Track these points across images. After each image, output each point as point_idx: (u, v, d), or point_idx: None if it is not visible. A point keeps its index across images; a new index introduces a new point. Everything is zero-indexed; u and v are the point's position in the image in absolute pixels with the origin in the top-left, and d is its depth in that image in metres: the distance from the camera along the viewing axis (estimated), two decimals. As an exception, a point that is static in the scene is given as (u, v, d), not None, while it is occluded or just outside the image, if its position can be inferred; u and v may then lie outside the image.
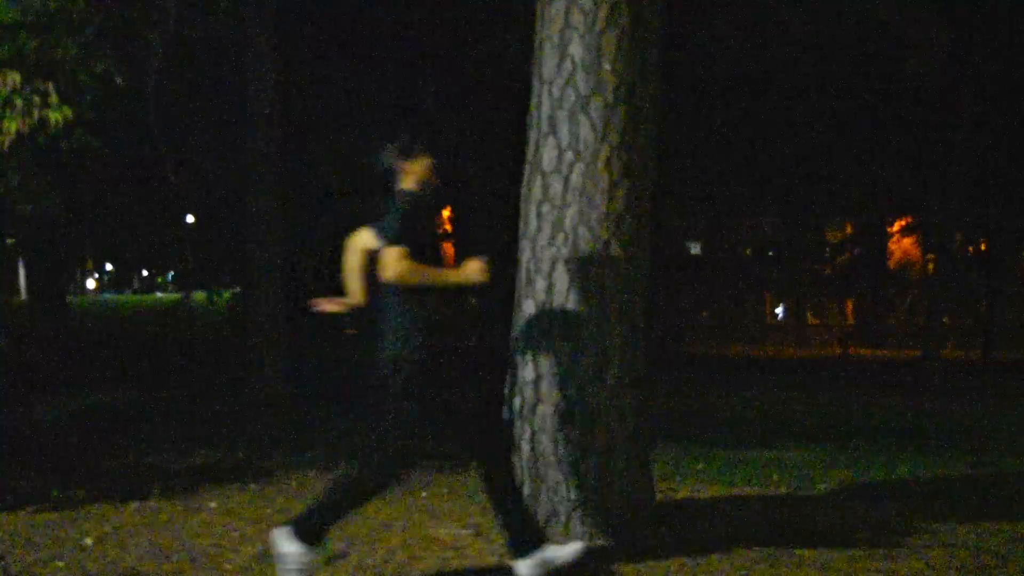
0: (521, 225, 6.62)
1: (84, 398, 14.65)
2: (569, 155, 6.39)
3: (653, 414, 7.04)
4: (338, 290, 6.07)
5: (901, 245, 37.48)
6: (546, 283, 6.42)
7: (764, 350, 35.76)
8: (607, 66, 6.35)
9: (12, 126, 8.12)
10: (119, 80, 8.93)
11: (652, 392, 6.87)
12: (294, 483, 8.57)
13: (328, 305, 5.87)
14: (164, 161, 15.03)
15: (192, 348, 24.47)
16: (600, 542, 6.14)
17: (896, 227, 36.29)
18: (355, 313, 5.71)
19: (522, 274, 6.57)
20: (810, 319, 41.73)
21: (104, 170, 20.25)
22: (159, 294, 57.50)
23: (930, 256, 32.88)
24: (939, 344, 26.11)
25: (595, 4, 6.34)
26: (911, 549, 6.31)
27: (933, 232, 31.42)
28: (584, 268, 6.34)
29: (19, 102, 8.11)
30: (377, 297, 5.43)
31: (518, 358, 6.50)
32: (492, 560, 5.93)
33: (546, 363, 6.37)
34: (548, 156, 6.45)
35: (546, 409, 6.36)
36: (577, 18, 6.37)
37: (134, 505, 7.52)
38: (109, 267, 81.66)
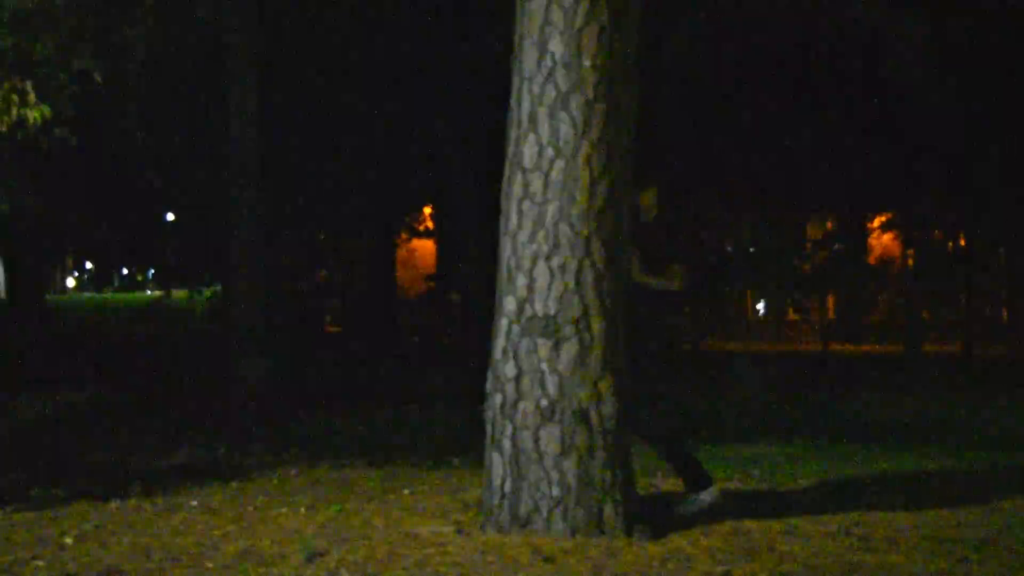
0: (502, 222, 6.62)
1: (64, 396, 14.59)
2: (549, 152, 6.39)
3: (634, 410, 7.05)
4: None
5: (881, 241, 37.56)
6: (527, 280, 6.42)
7: (745, 345, 35.84)
8: (587, 63, 6.36)
9: (-10, 124, 8.08)
10: (98, 78, 8.89)
11: (633, 388, 6.88)
12: (275, 481, 8.56)
13: None
14: (144, 158, 14.97)
15: (172, 346, 24.39)
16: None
17: (876, 223, 36.42)
18: None
19: (503, 271, 6.56)
20: (791, 315, 41.81)
21: (83, 168, 20.16)
22: (149, 292, 57.20)
23: (910, 252, 33.03)
24: (920, 339, 26.20)
25: (575, 0, 6.34)
26: (892, 542, 6.34)
27: (913, 228, 31.57)
28: (565, 265, 6.34)
29: (-3, 100, 8.07)
30: None
31: (499, 355, 6.50)
32: (474, 557, 5.93)
33: (527, 360, 6.37)
34: (529, 153, 6.45)
35: (527, 406, 6.36)
36: (557, 15, 6.37)
37: (114, 503, 7.50)
38: (89, 265, 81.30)
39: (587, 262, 6.36)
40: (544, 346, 6.35)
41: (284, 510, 7.28)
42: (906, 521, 6.97)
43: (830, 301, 39.94)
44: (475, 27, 19.13)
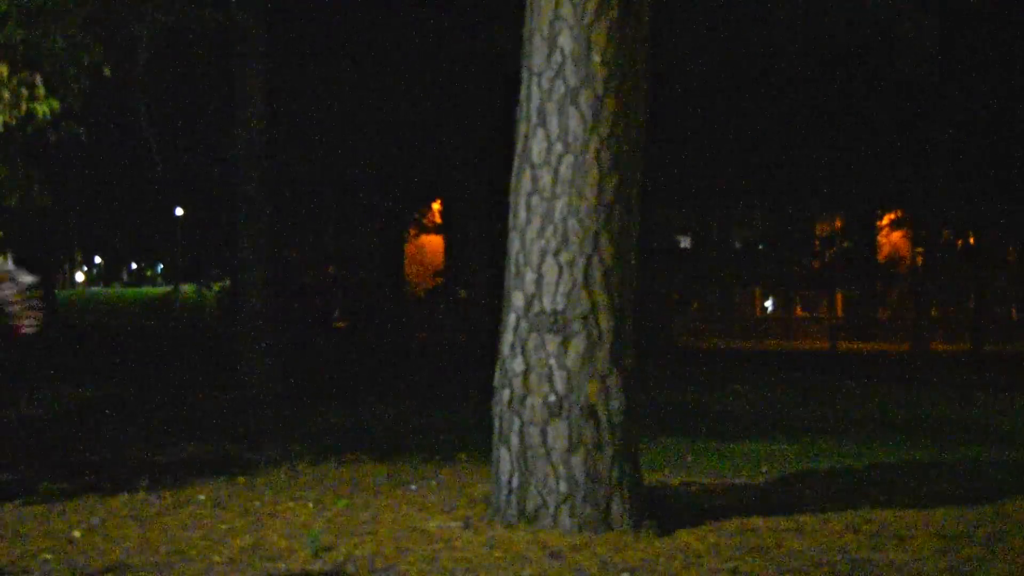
0: (511, 217, 6.61)
1: (72, 392, 14.62)
2: (558, 147, 6.38)
3: (642, 406, 7.05)
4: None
5: (890, 239, 37.53)
6: (535, 275, 6.41)
7: (753, 343, 35.84)
8: (597, 58, 6.34)
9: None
10: (107, 72, 8.88)
11: (641, 384, 6.87)
12: (283, 476, 8.55)
13: None
14: (152, 153, 14.97)
15: (181, 341, 24.42)
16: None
17: (885, 221, 36.40)
18: None
19: (511, 266, 6.55)
20: (799, 312, 41.77)
21: (92, 162, 20.21)
22: (170, 287, 57.35)
23: (919, 250, 32.95)
24: (928, 337, 26.14)
25: (585, -5, 6.32)
26: (900, 540, 6.32)
27: (922, 226, 31.49)
28: (573, 260, 6.33)
29: (6, 94, 8.07)
30: None
31: (507, 350, 6.49)
32: (482, 552, 5.93)
33: (535, 356, 6.37)
34: (537, 148, 6.44)
35: (535, 401, 6.36)
36: (567, 10, 6.36)
37: (122, 498, 7.50)
38: (98, 260, 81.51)
39: (595, 258, 6.35)
40: (552, 342, 6.34)
41: (291, 505, 7.28)
42: (914, 519, 6.95)
43: (838, 299, 39.90)
44: (484, 22, 19.12)
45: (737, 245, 41.08)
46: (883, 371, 22.96)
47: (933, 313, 31.76)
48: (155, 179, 19.10)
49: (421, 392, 15.31)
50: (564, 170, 6.36)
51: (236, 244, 15.35)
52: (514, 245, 6.55)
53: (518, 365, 6.42)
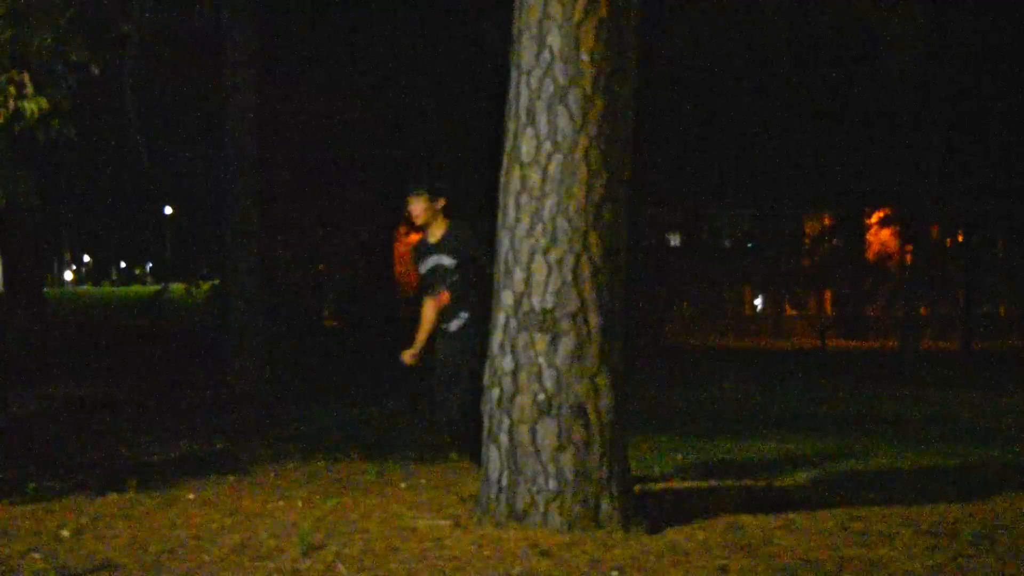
0: (499, 216, 6.61)
1: (61, 390, 14.59)
2: (547, 146, 6.38)
3: (632, 405, 7.05)
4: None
5: (879, 236, 37.65)
6: (524, 274, 6.41)
7: (743, 341, 35.93)
8: (585, 56, 6.34)
9: (-13, 116, 8.07)
10: (95, 70, 8.87)
11: (631, 383, 6.87)
12: (272, 475, 8.55)
13: None
14: (141, 151, 14.95)
15: (170, 340, 24.37)
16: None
17: (874, 218, 36.52)
18: None
19: (500, 265, 6.56)
20: (788, 310, 41.85)
21: (81, 160, 20.17)
22: (159, 286, 57.29)
23: (908, 247, 33.07)
24: (917, 335, 26.22)
25: (574, -7, 6.32)
26: (889, 538, 6.34)
27: (910, 223, 31.61)
28: (562, 259, 6.33)
29: (-6, 92, 8.05)
30: None
31: (496, 349, 6.50)
32: (471, 550, 5.93)
33: (524, 354, 6.37)
34: (526, 147, 6.44)
35: (524, 400, 6.36)
36: (555, 8, 6.35)
37: (111, 497, 7.49)
38: (87, 259, 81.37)
39: (585, 256, 6.35)
40: (541, 340, 6.34)
41: (281, 503, 7.27)
42: (903, 516, 6.97)
43: (828, 297, 40.02)
44: (473, 20, 19.13)
45: (727, 243, 41.18)
46: (872, 369, 23.03)
47: (922, 311, 31.88)
48: (144, 178, 19.06)
49: (410, 391, 15.31)
50: (553, 169, 6.36)
51: (225, 243, 15.33)
52: (503, 244, 6.55)
53: (507, 364, 6.42)
